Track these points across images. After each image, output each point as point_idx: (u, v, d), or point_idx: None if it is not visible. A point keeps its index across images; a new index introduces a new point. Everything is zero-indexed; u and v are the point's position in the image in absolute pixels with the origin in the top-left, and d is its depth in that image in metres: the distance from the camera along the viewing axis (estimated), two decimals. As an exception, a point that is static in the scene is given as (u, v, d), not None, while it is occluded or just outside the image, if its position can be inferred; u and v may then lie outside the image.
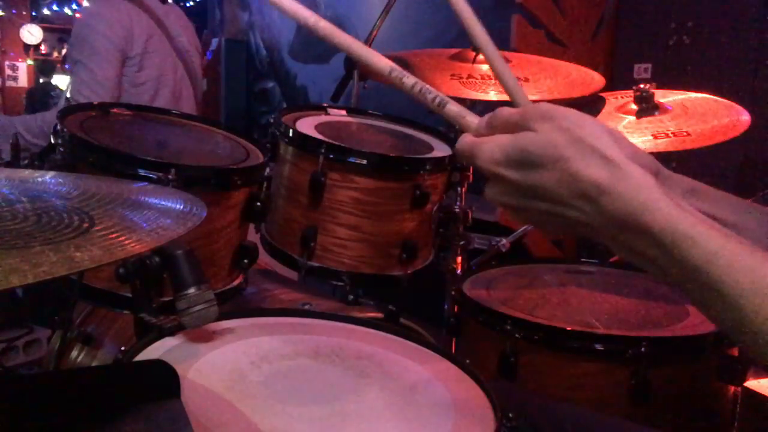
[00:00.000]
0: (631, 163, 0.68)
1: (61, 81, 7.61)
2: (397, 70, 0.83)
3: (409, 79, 0.82)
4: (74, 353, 1.59)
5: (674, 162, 3.07)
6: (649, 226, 0.66)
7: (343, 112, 1.86)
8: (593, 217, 0.69)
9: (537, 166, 0.70)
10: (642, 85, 1.75)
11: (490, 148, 0.74)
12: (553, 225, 0.74)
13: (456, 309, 1.64)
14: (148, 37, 2.52)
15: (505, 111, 0.75)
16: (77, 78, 2.44)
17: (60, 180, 0.84)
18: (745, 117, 1.67)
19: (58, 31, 8.56)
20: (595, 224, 0.69)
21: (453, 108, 0.80)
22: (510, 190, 0.73)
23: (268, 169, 1.52)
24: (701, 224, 0.66)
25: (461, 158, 0.78)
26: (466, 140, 0.77)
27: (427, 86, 0.81)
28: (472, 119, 0.79)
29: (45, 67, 6.33)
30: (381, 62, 0.84)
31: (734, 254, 0.63)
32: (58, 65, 8.12)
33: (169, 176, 1.29)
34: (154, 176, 1.29)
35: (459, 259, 1.86)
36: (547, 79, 1.73)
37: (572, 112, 0.72)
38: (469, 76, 1.72)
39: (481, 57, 1.80)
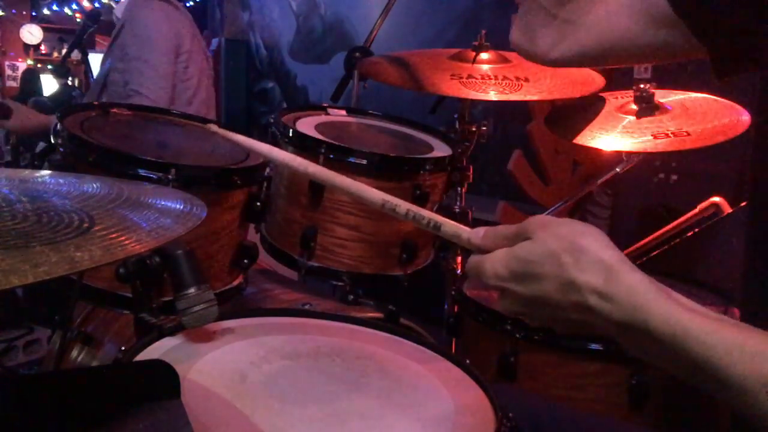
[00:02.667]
0: (627, 266, 0.71)
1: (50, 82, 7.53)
2: (389, 201, 0.86)
3: (401, 208, 0.86)
4: (74, 353, 1.59)
5: (674, 162, 3.07)
6: (647, 326, 0.68)
7: (343, 112, 1.86)
8: (596, 320, 0.72)
9: (538, 277, 0.73)
10: (642, 85, 1.75)
11: (492, 265, 0.77)
12: (563, 327, 0.78)
13: (456, 309, 1.64)
14: (191, 36, 2.71)
15: (503, 226, 0.80)
16: (139, 75, 2.58)
17: (60, 180, 0.84)
18: (745, 117, 1.67)
19: (58, 31, 8.56)
20: (600, 325, 0.72)
21: (448, 229, 0.84)
22: (518, 301, 0.77)
23: (268, 169, 1.52)
24: (697, 317, 0.66)
25: (472, 279, 0.82)
26: (472, 260, 0.81)
27: (419, 211, 0.85)
28: (468, 235, 0.82)
29: (61, 70, 6.26)
30: (373, 195, 0.87)
31: (732, 343, 0.64)
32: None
33: (169, 176, 1.30)
34: (154, 176, 1.29)
35: (459, 259, 1.86)
36: (547, 79, 1.73)
37: (569, 221, 0.75)
38: (469, 76, 1.72)
39: (481, 57, 1.80)
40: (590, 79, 1.78)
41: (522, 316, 0.80)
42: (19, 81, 7.58)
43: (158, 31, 2.62)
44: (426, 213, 0.86)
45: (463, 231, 0.83)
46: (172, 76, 2.64)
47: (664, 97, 1.79)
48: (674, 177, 3.07)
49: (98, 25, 3.09)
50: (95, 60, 3.36)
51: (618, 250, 0.72)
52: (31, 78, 7.19)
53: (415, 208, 0.86)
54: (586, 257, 0.71)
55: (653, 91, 1.75)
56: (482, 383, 0.97)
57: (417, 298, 1.76)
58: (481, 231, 0.81)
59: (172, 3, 2.75)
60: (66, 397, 0.73)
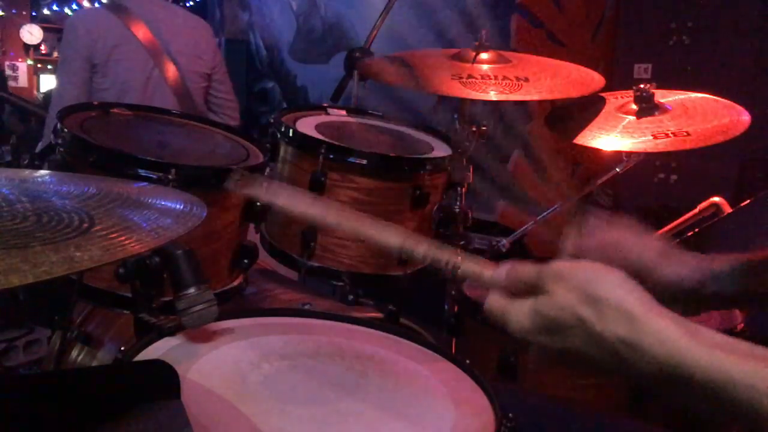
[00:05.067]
0: (653, 311, 0.68)
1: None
2: (408, 244, 0.85)
3: (419, 251, 0.85)
4: (74, 353, 1.59)
5: (674, 162, 3.07)
6: (682, 374, 0.65)
7: (343, 112, 1.86)
8: (629, 370, 0.69)
9: (561, 331, 0.71)
10: (642, 85, 1.74)
11: (516, 318, 0.75)
12: (602, 373, 0.74)
13: (456, 309, 1.63)
14: (115, 46, 2.59)
15: (522, 272, 0.77)
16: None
17: (60, 180, 0.84)
18: (745, 117, 1.67)
19: (58, 31, 8.54)
20: (634, 375, 0.69)
21: (468, 270, 0.83)
22: (548, 352, 0.75)
23: (268, 169, 1.52)
24: (734, 358, 0.64)
25: (492, 320, 0.79)
26: (495, 305, 0.78)
27: (438, 253, 0.84)
28: (489, 274, 0.81)
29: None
30: (393, 239, 0.86)
31: None
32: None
33: (169, 176, 1.29)
34: (154, 176, 1.29)
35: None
36: (547, 79, 1.73)
37: (583, 269, 0.73)
38: (469, 76, 1.71)
39: (481, 57, 1.80)
40: (590, 79, 1.77)
41: (557, 364, 0.77)
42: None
43: (66, 43, 2.62)
44: (445, 254, 0.84)
45: (485, 271, 0.82)
46: (79, 87, 2.56)
47: (664, 97, 1.79)
48: (674, 177, 3.07)
49: (98, 24, 3.08)
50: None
51: (642, 292, 0.70)
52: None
53: (433, 250, 0.84)
54: (606, 307, 0.68)
55: (653, 91, 1.75)
56: (482, 383, 0.97)
57: (417, 298, 1.76)
58: (503, 272, 0.79)
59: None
60: (66, 397, 0.73)
